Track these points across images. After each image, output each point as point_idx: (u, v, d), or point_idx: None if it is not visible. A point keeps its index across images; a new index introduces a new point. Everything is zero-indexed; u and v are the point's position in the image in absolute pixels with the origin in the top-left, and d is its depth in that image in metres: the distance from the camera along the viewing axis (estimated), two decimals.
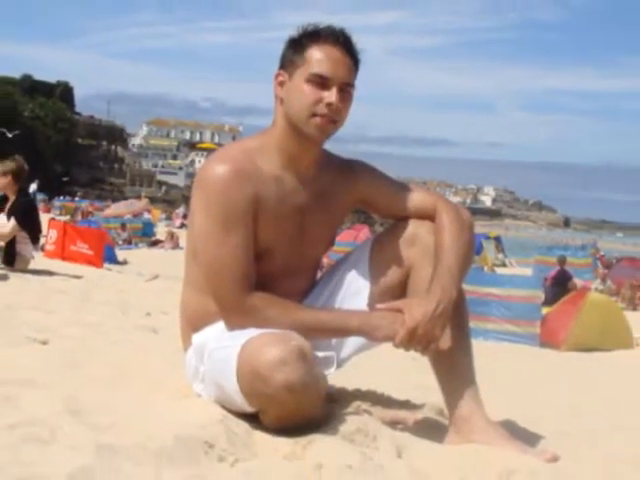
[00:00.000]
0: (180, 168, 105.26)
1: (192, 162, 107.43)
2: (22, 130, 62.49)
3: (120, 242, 20.94)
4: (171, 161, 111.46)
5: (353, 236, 22.64)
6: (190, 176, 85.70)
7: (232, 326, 2.01)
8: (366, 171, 2.22)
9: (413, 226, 2.13)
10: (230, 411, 1.96)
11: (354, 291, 2.18)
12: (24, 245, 7.01)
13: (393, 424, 2.17)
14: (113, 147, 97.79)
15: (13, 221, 6.85)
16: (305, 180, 2.09)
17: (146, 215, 32.82)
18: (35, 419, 1.79)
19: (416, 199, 2.17)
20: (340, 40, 2.00)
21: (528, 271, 19.95)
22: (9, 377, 2.30)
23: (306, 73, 1.97)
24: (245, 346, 1.85)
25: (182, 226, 29.46)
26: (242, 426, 1.91)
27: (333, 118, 1.99)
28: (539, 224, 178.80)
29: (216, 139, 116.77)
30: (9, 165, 7.05)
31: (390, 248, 2.14)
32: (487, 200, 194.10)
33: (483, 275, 13.43)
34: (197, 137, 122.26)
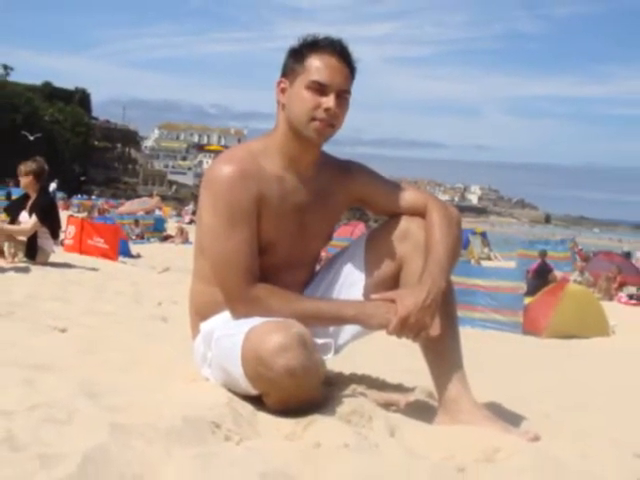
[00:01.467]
0: (189, 168, 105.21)
1: (200, 163, 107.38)
2: (43, 133, 62.42)
3: (133, 237, 20.92)
4: (181, 162, 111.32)
5: (349, 232, 22.57)
6: (198, 176, 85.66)
7: (237, 315, 2.01)
8: (362, 171, 2.21)
9: (405, 222, 2.12)
10: (236, 394, 1.96)
11: (350, 283, 2.17)
12: (45, 240, 7.01)
13: (387, 406, 2.17)
14: (127, 149, 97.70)
15: (34, 218, 6.85)
16: (305, 180, 2.09)
17: (157, 212, 32.82)
18: (53, 401, 1.78)
19: (408, 197, 2.16)
20: (337, 50, 2.00)
21: (512, 264, 19.95)
22: (30, 362, 2.30)
23: (306, 80, 1.97)
24: (249, 333, 1.85)
25: (191, 222, 29.41)
26: (247, 408, 1.91)
27: (331, 122, 1.99)
28: (522, 221, 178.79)
29: (222, 142, 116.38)
30: (31, 165, 7.05)
31: (384, 243, 2.14)
32: (474, 198, 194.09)
33: (470, 268, 13.42)
34: (205, 140, 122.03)
